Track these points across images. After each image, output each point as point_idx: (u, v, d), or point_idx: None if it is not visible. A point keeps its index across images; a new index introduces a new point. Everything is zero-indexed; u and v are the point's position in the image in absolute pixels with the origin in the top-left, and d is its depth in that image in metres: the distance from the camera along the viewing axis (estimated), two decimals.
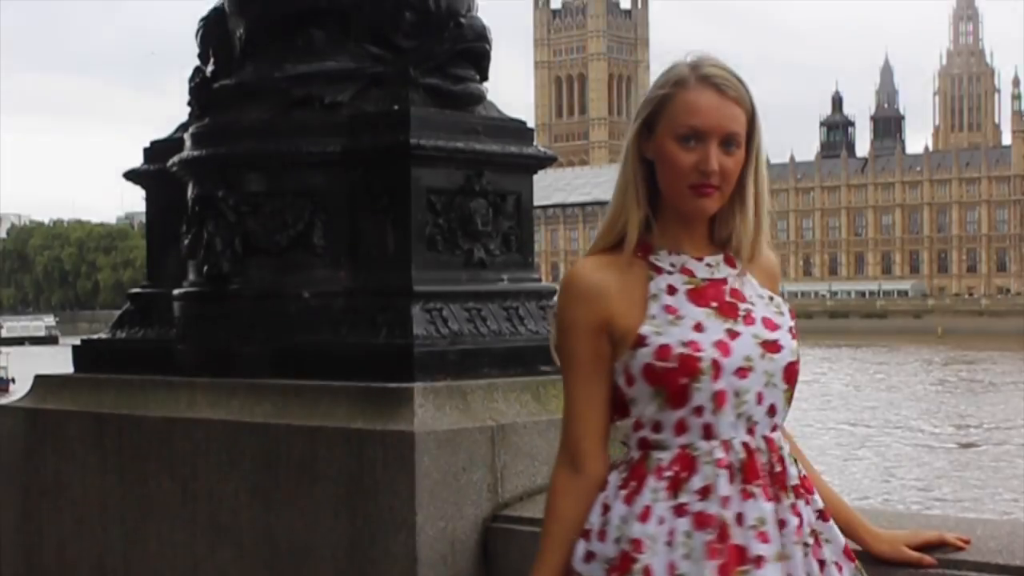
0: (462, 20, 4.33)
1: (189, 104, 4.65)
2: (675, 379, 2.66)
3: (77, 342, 5.09)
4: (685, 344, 2.67)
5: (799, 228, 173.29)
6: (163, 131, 5.01)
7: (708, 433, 2.68)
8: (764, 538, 2.61)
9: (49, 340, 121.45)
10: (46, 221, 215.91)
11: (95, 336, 5.16)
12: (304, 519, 3.86)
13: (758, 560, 2.59)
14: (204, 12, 4.70)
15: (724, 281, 2.77)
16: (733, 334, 2.70)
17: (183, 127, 4.68)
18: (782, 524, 2.64)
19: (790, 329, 2.76)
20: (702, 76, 2.72)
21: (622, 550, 2.63)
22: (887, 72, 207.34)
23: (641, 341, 2.67)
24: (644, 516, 2.64)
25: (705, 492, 2.64)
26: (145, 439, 4.35)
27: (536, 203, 4.46)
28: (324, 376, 4.01)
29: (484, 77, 4.42)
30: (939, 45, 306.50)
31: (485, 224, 4.20)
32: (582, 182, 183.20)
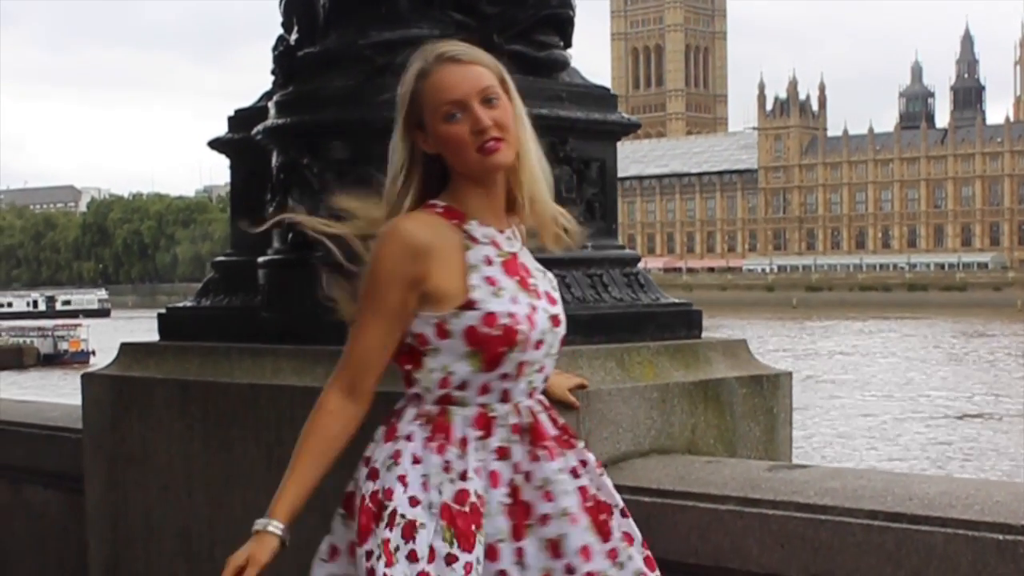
0: None
1: (273, 72, 4.65)
2: (496, 346, 2.89)
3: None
4: (509, 315, 2.89)
5: (878, 200, 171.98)
6: (236, 103, 5.02)
7: (505, 397, 2.95)
8: (548, 497, 2.91)
9: (101, 313, 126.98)
10: (126, 195, 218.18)
11: (179, 304, 5.18)
12: None
13: (543, 518, 2.90)
14: None
15: (517, 255, 3.00)
16: (534, 308, 2.95)
17: (267, 95, 4.68)
18: (574, 473, 2.97)
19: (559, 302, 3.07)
20: (436, 58, 2.97)
21: (444, 501, 2.85)
22: (967, 42, 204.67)
23: (471, 305, 2.88)
24: (464, 475, 2.88)
25: (502, 453, 2.92)
26: (230, 406, 4.36)
27: None
28: None
29: (568, 43, 4.39)
30: (1020, 14, 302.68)
31: (569, 191, 4.18)
32: (659, 154, 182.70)
